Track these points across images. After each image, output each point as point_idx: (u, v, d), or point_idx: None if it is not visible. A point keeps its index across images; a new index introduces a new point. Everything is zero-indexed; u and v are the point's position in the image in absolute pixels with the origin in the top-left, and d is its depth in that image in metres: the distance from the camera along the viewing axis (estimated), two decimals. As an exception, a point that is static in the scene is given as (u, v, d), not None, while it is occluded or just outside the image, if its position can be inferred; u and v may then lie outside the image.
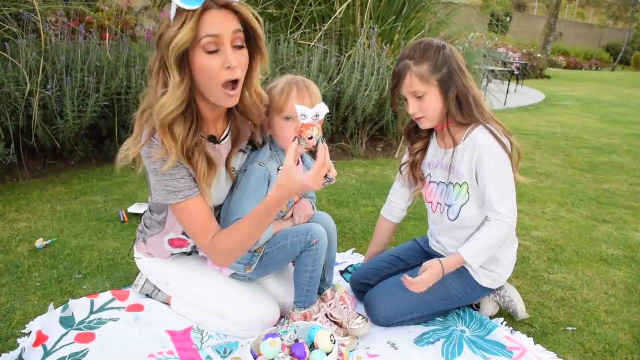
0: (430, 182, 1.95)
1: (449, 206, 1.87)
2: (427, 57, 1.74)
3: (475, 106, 1.77)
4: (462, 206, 1.83)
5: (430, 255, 2.01)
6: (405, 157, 2.04)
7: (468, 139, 1.79)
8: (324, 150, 1.45)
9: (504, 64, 10.77)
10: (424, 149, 1.98)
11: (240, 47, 1.49)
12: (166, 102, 1.46)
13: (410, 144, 2.01)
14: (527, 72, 13.43)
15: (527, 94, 10.63)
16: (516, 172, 1.81)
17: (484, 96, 1.78)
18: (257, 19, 1.51)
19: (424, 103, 1.76)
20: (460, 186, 1.82)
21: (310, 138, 1.44)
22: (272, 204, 1.51)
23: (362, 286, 2.03)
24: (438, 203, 1.92)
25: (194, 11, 1.39)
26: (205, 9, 1.40)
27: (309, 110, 1.44)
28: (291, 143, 1.49)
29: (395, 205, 2.10)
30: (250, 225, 1.56)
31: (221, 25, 1.43)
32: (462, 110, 1.77)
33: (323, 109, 1.45)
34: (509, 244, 1.92)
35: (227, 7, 1.44)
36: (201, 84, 1.50)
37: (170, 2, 1.42)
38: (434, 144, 1.95)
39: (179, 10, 1.40)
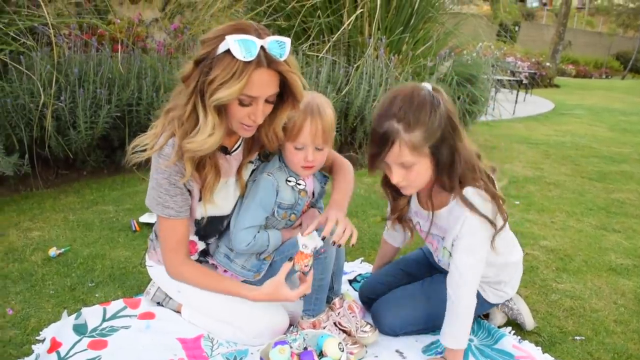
0: (421, 230, 1.85)
1: (439, 260, 1.83)
2: (420, 121, 1.49)
3: (466, 169, 1.58)
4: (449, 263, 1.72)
5: (435, 268, 1.99)
6: (388, 211, 1.90)
7: (449, 210, 1.65)
8: (311, 276, 1.65)
9: (513, 74, 10.78)
10: (408, 202, 1.84)
11: (271, 102, 1.54)
12: (209, 145, 1.50)
13: (391, 200, 1.83)
14: (535, 81, 13.41)
15: (536, 103, 10.61)
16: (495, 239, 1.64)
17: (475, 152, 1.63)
18: (299, 76, 1.53)
19: (412, 173, 1.57)
20: (445, 249, 1.74)
21: (306, 265, 1.64)
22: (243, 294, 1.67)
23: (370, 299, 2.04)
24: (436, 247, 1.83)
25: (246, 65, 1.40)
26: (256, 66, 1.42)
27: (310, 243, 1.62)
28: (286, 264, 1.66)
29: (392, 239, 2.08)
30: (216, 286, 1.72)
31: (263, 87, 1.47)
32: (450, 176, 1.59)
33: (320, 243, 1.63)
34: (513, 266, 1.86)
35: (275, 66, 1.46)
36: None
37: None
38: (414, 201, 1.83)
39: (232, 57, 1.40)
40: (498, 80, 6.71)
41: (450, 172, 1.58)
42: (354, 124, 4.34)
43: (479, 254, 1.62)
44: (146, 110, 3.69)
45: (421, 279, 1.97)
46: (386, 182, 1.75)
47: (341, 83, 4.29)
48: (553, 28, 18.46)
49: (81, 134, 3.35)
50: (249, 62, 1.40)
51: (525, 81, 11.00)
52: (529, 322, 1.95)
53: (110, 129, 3.58)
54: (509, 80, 8.72)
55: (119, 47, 3.82)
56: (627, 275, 2.48)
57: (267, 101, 1.52)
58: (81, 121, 3.31)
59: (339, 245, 1.67)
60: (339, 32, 4.40)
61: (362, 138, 4.48)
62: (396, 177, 1.58)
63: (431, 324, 1.87)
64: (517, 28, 23.92)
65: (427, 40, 4.84)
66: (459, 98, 4.59)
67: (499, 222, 1.61)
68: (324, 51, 4.35)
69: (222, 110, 1.51)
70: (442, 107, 1.52)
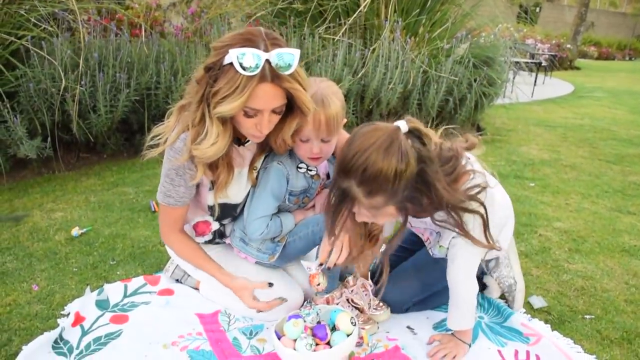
0: (410, 225, 1.82)
1: (433, 253, 1.83)
2: (381, 189, 1.37)
3: (441, 198, 1.44)
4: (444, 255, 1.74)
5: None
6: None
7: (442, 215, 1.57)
8: (275, 302, 1.75)
9: (532, 56, 10.64)
10: None
11: (278, 112, 1.54)
12: (212, 153, 1.53)
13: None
14: (555, 64, 13.20)
15: (556, 85, 10.46)
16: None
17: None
18: (304, 93, 1.50)
19: (378, 218, 1.52)
20: (441, 246, 1.75)
21: (318, 284, 1.73)
22: (217, 277, 1.82)
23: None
24: (428, 239, 1.84)
25: (249, 80, 1.39)
26: (260, 80, 1.41)
27: (313, 265, 1.77)
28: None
29: None
30: (196, 262, 1.85)
31: (267, 101, 1.46)
32: (427, 211, 1.53)
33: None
34: (501, 219, 1.76)
35: (278, 81, 1.44)
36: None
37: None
38: None
39: (236, 70, 1.39)
40: (516, 62, 6.64)
41: (426, 210, 1.50)
42: (370, 107, 4.36)
43: (477, 248, 1.59)
44: (164, 94, 3.75)
45: (417, 250, 1.98)
46: None
47: (357, 66, 4.30)
48: (575, 9, 18.07)
49: (101, 118, 3.43)
50: (252, 77, 1.39)
51: (544, 64, 10.84)
52: (519, 301, 1.96)
53: (130, 112, 3.65)
54: (527, 63, 8.60)
55: (139, 31, 3.87)
56: (640, 256, 2.49)
57: (273, 112, 1.51)
58: (101, 105, 3.38)
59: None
60: (355, 15, 4.38)
61: (377, 120, 4.49)
62: (361, 219, 1.53)
63: (428, 292, 1.91)
64: (537, 9, 23.49)
65: (444, 23, 4.80)
66: (475, 80, 4.57)
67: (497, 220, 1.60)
68: (340, 34, 4.35)
69: (227, 119, 1.52)
70: (412, 165, 1.36)
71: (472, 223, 1.53)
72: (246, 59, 1.37)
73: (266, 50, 1.39)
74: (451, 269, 1.66)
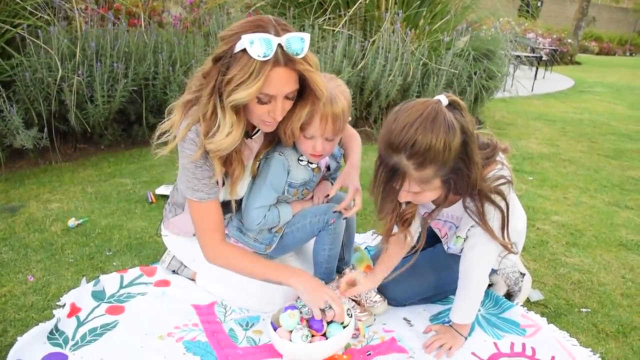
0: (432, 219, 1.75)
1: (449, 247, 1.83)
2: (432, 160, 1.37)
3: (472, 184, 1.49)
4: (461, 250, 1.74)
5: (436, 237, 1.95)
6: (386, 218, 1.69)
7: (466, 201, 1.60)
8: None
9: (533, 50, 10.60)
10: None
11: (291, 98, 1.52)
12: (227, 145, 1.49)
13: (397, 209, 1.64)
14: (556, 58, 13.17)
15: (556, 80, 10.45)
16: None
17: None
18: (318, 74, 1.49)
19: (419, 196, 1.51)
20: (458, 237, 1.75)
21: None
22: (276, 279, 1.67)
23: None
24: (445, 234, 1.84)
25: (263, 65, 1.37)
26: (273, 65, 1.39)
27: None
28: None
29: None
30: (255, 271, 1.70)
31: (281, 85, 1.44)
32: (462, 192, 1.53)
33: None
34: (519, 233, 1.84)
35: (292, 65, 1.42)
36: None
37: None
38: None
39: (249, 56, 1.37)
40: (517, 56, 6.62)
41: (462, 190, 1.51)
42: (369, 99, 4.34)
43: (494, 243, 1.60)
44: (162, 84, 3.73)
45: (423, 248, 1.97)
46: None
47: (357, 58, 4.28)
48: (576, 3, 18.00)
49: (99, 108, 3.41)
50: (266, 62, 1.37)
51: (545, 58, 10.81)
52: (525, 291, 1.98)
53: (127, 103, 3.63)
54: (528, 57, 8.58)
55: (136, 21, 3.85)
56: (637, 250, 2.49)
57: (286, 97, 1.49)
58: (98, 95, 3.36)
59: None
60: (355, 6, 4.36)
61: (377, 113, 4.48)
62: (403, 199, 1.52)
63: (442, 290, 1.92)
64: (539, 3, 23.42)
65: (445, 15, 4.78)
66: (475, 73, 4.56)
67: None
68: (340, 25, 4.33)
69: (240, 108, 1.49)
70: (458, 136, 1.38)
71: (493, 215, 1.54)
72: (259, 44, 1.35)
73: (277, 35, 1.39)
74: (467, 257, 1.67)
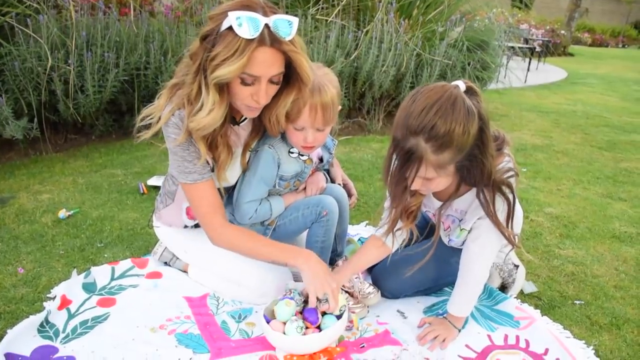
0: (433, 215, 1.78)
1: (451, 240, 1.81)
2: (451, 143, 1.34)
3: (487, 174, 1.48)
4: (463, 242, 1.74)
5: (432, 229, 1.92)
6: (387, 212, 1.70)
7: (473, 194, 1.59)
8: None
9: (526, 41, 10.60)
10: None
11: (276, 83, 1.50)
12: (207, 123, 1.47)
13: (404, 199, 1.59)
14: (549, 50, 13.17)
15: (549, 71, 10.45)
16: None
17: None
18: (305, 58, 1.48)
19: (432, 184, 1.49)
20: (462, 230, 1.73)
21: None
22: (282, 260, 1.65)
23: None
24: (448, 227, 1.80)
25: (248, 43, 1.36)
26: (258, 44, 1.38)
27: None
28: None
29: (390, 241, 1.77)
30: (261, 251, 1.67)
31: (265, 66, 1.42)
32: (472, 181, 1.53)
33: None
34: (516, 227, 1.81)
35: (278, 46, 1.41)
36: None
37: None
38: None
39: (234, 34, 1.36)
40: (510, 47, 6.61)
41: (477, 179, 1.50)
42: (363, 89, 4.32)
43: (499, 235, 1.60)
44: (154, 74, 3.70)
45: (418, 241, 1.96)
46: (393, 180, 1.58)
47: (350, 48, 4.25)
48: (569, -5, 17.97)
49: (89, 98, 3.37)
50: (251, 40, 1.36)
51: (538, 49, 10.81)
52: (518, 283, 1.97)
53: (119, 93, 3.59)
54: (521, 48, 8.57)
55: (127, 10, 3.80)
56: (630, 242, 2.49)
57: (271, 82, 1.47)
58: (89, 85, 3.32)
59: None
60: (348, -4, 4.33)
61: (370, 104, 4.47)
62: (415, 186, 1.48)
63: (439, 282, 1.93)
64: (532, -6, 23.37)
65: (439, 5, 4.75)
66: (469, 64, 4.54)
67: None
68: (333, 15, 4.29)
69: (224, 88, 1.48)
70: (476, 122, 1.36)
71: (502, 206, 1.54)
72: (245, 22, 1.35)
73: (265, 15, 1.38)
74: (470, 248, 1.67)
